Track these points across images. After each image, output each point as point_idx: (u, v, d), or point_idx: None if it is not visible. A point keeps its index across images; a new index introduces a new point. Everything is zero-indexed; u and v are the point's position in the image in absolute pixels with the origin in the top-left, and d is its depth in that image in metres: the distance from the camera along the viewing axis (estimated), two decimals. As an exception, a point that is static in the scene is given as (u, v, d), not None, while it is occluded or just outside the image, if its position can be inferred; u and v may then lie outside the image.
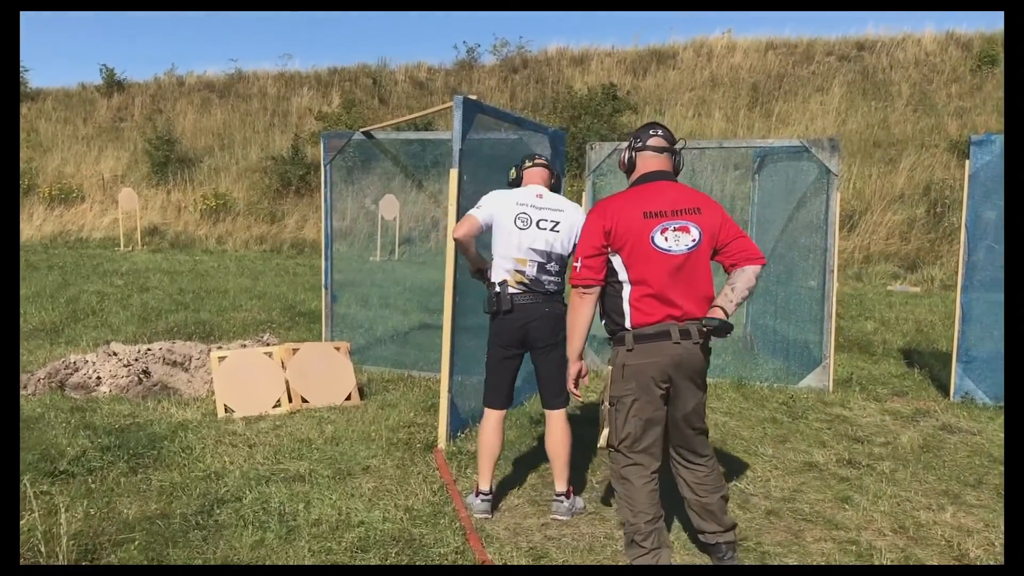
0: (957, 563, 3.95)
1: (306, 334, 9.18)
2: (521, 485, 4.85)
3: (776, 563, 3.94)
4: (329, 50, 63.96)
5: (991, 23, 28.57)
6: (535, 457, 5.31)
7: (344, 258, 16.78)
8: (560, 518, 4.38)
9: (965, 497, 4.81)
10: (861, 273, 15.99)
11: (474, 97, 5.55)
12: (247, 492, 4.54)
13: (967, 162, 6.87)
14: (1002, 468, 5.32)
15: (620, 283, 3.50)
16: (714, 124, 21.77)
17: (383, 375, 7.46)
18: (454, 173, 5.39)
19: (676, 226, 3.45)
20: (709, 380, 7.53)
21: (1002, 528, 4.35)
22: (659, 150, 3.62)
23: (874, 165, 19.03)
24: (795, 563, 3.94)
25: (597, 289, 3.53)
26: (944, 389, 7.26)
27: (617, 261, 3.48)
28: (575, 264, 3.54)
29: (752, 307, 9.06)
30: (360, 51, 67.97)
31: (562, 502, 4.44)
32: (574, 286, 3.54)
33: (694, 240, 3.46)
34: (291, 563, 3.74)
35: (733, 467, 5.26)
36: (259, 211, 22.01)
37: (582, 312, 3.56)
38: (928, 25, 23.96)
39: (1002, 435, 6.06)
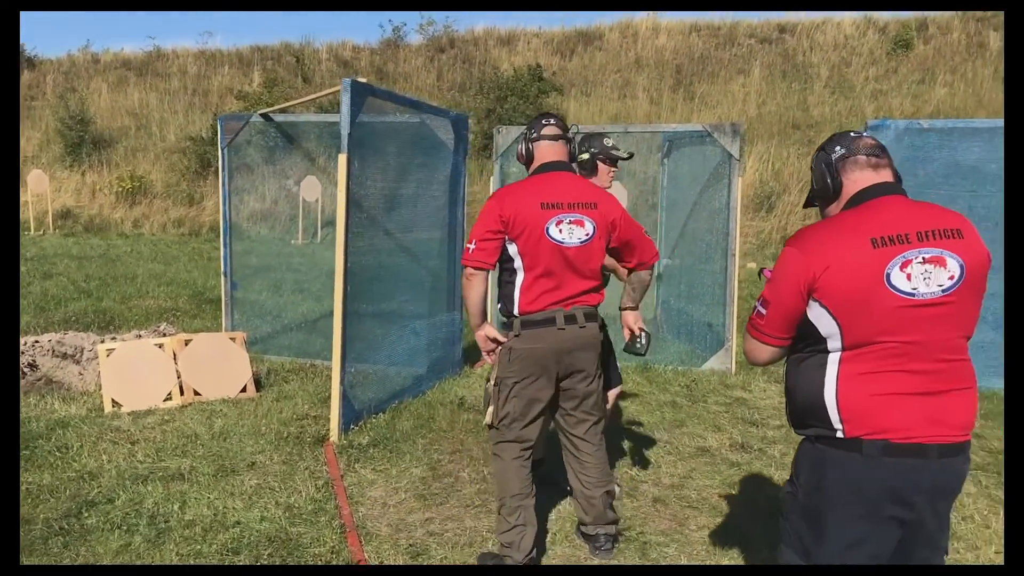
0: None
1: (211, 323, 8.93)
2: (409, 478, 4.77)
3: (656, 553, 3.94)
4: (251, 28, 62.33)
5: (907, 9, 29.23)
6: (427, 449, 5.22)
7: (264, 241, 16.43)
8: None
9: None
10: (777, 254, 16.25)
11: (364, 80, 5.41)
12: (120, 493, 4.37)
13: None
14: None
15: (514, 270, 3.56)
16: (639, 106, 21.84)
17: (285, 365, 7.29)
18: (343, 159, 5.24)
19: (571, 219, 3.51)
20: (614, 364, 7.61)
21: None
22: (554, 138, 3.66)
23: (793, 146, 19.31)
24: (675, 552, 3.95)
25: (485, 273, 3.53)
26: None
27: (513, 249, 3.51)
28: (468, 245, 3.54)
29: (662, 289, 9.11)
30: (283, 29, 66.46)
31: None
32: (464, 266, 3.55)
33: (587, 234, 3.54)
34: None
35: (627, 453, 5.27)
36: (177, 193, 21.40)
37: (470, 293, 3.56)
38: (847, 9, 24.32)
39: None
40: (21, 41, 28.41)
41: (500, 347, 3.63)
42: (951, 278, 2.23)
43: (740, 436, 5.65)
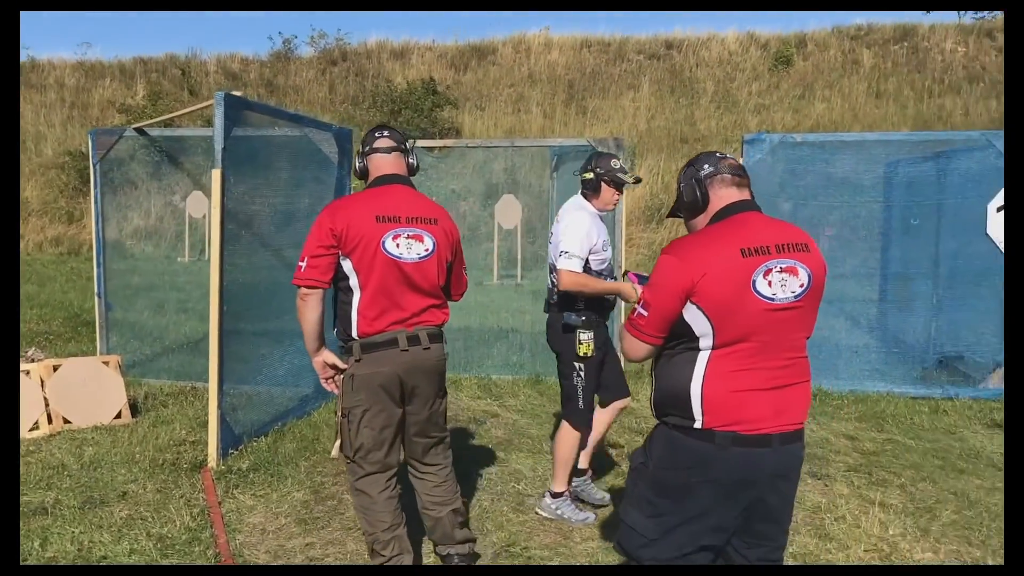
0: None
1: (87, 346, 8.52)
2: (291, 502, 4.63)
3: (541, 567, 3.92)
4: (133, 39, 60.11)
5: (787, 25, 30.45)
6: (311, 472, 5.08)
7: (148, 259, 15.85)
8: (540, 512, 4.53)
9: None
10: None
11: (239, 94, 5.26)
12: (-26, 532, 4.08)
13: (740, 160, 7.18)
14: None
15: (350, 289, 3.35)
16: (533, 120, 22.05)
17: (165, 389, 7.00)
18: (216, 174, 5.07)
19: (409, 233, 3.36)
20: (507, 377, 7.63)
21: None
22: (387, 151, 3.52)
23: (681, 160, 19.78)
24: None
25: (320, 293, 3.34)
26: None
27: (347, 265, 3.32)
28: (300, 263, 3.32)
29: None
30: (168, 40, 64.39)
31: (543, 497, 4.58)
32: (297, 286, 3.34)
33: (427, 250, 3.40)
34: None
35: (516, 468, 5.25)
36: (55, 211, 20.44)
37: (306, 315, 3.35)
38: (731, 26, 25.16)
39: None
40: None
41: (341, 374, 3.45)
42: (801, 286, 2.49)
43: (627, 445, 5.71)
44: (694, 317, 2.47)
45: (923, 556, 4.11)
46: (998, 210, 6.88)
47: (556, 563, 3.97)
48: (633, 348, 2.63)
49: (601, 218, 4.35)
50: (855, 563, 4.02)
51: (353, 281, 3.33)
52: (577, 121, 21.94)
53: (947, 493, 4.93)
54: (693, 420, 2.49)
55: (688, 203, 2.68)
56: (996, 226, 6.90)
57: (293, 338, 6.53)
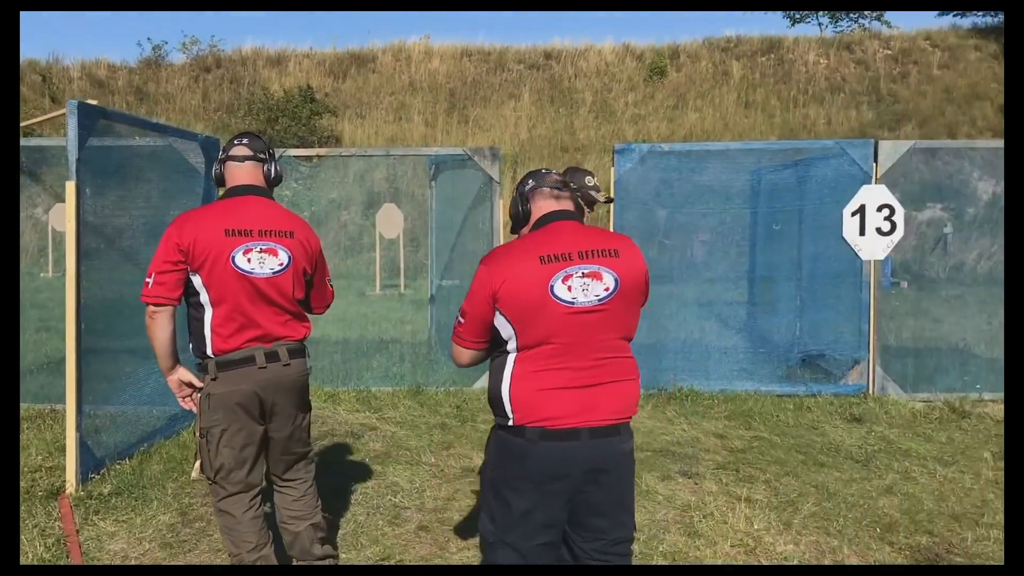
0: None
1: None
2: (156, 526, 4.45)
3: (415, 580, 3.89)
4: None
5: (660, 36, 31.42)
6: (178, 494, 4.90)
7: (8, 276, 14.92)
8: None
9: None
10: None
11: (94, 102, 5.03)
12: None
13: (612, 169, 7.36)
14: (641, 455, 5.70)
15: (201, 306, 3.23)
16: (414, 128, 22.01)
17: (22, 413, 6.61)
18: (71, 186, 4.85)
19: (262, 247, 3.25)
20: (387, 389, 7.56)
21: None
22: (241, 159, 3.38)
23: (563, 168, 20.13)
24: (434, 577, 3.92)
25: (171, 310, 3.21)
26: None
27: (197, 281, 3.20)
28: (147, 279, 3.18)
29: (435, 311, 9.15)
30: (26, 45, 61.24)
31: None
32: (145, 304, 3.20)
33: (282, 264, 3.30)
34: None
35: (393, 480, 5.20)
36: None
37: (156, 334, 3.22)
38: (608, 37, 25.77)
39: (648, 422, 6.54)
40: None
41: (198, 393, 3.33)
42: (606, 290, 2.63)
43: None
44: (501, 323, 2.65)
45: (785, 548, 4.28)
46: (852, 215, 7.26)
47: None
48: (457, 355, 2.81)
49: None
50: (722, 558, 4.16)
51: (204, 297, 3.22)
52: (459, 130, 22.02)
53: (809, 486, 5.15)
54: (508, 419, 2.65)
55: (513, 216, 2.90)
56: (851, 230, 7.28)
57: (160, 355, 6.29)
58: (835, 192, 7.48)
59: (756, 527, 4.51)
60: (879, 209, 7.26)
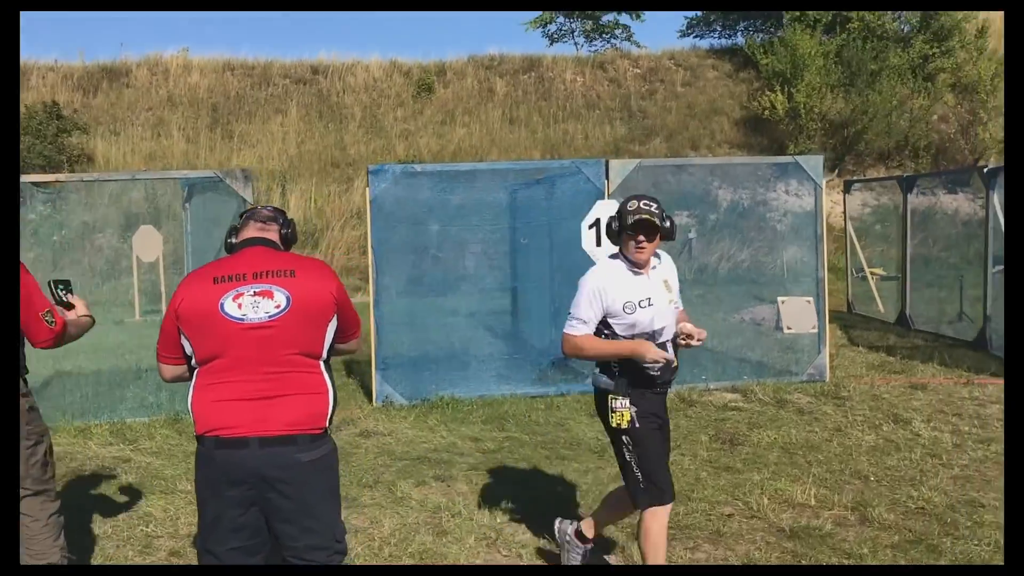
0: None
1: None
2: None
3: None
4: None
5: (427, 53, 32.01)
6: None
7: None
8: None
9: (361, 498, 5.30)
10: (325, 288, 16.80)
11: None
12: None
13: (367, 189, 7.60)
14: (399, 464, 5.99)
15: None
16: (175, 145, 21.14)
17: None
18: None
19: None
20: (143, 419, 7.34)
21: (385, 526, 4.89)
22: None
23: (333, 184, 20.14)
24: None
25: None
26: (371, 396, 7.93)
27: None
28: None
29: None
30: None
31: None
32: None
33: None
34: None
35: (147, 511, 5.15)
36: None
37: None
38: (374, 53, 25.97)
39: (410, 432, 6.82)
40: None
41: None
42: (277, 307, 2.85)
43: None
44: (184, 340, 2.91)
45: (524, 537, 4.70)
46: (589, 227, 7.92)
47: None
48: (159, 370, 3.07)
49: (635, 273, 3.70)
50: (466, 552, 4.50)
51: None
52: (224, 146, 21.41)
53: (550, 479, 5.64)
54: (195, 429, 2.88)
55: (226, 246, 3.20)
56: (589, 242, 7.93)
57: None
58: (573, 207, 8.13)
59: (499, 521, 4.90)
60: (613, 222, 7.96)
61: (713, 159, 17.90)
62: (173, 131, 21.48)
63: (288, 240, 3.22)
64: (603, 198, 7.98)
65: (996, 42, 24.62)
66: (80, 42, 58.90)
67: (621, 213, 3.65)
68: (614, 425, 3.69)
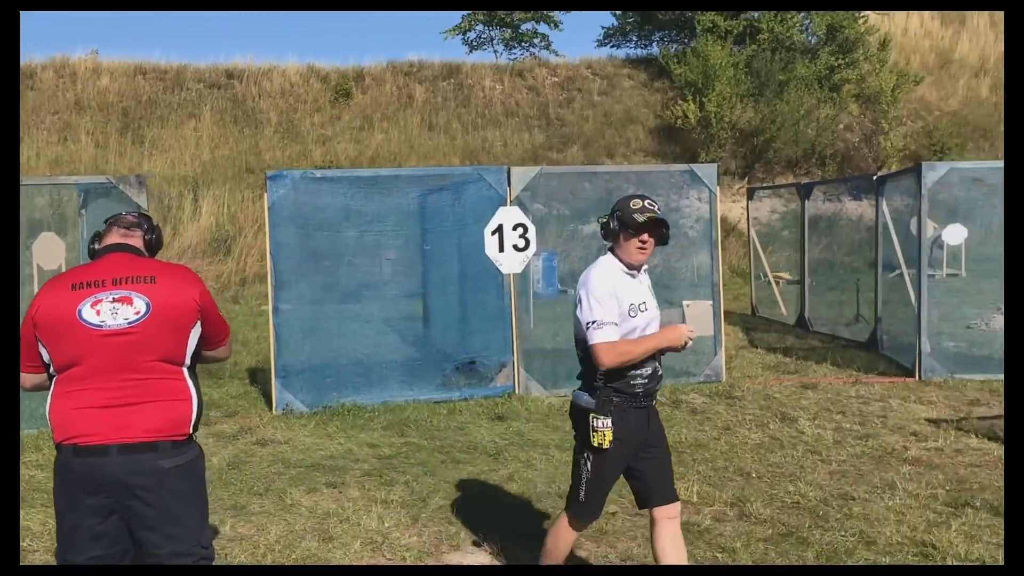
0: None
1: None
2: None
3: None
4: None
5: (345, 59, 31.81)
6: None
7: None
8: None
9: (250, 506, 5.27)
10: (238, 295, 16.54)
11: None
12: None
13: (265, 195, 7.55)
14: (293, 471, 5.96)
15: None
16: (83, 150, 20.55)
17: None
18: None
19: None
20: (31, 432, 7.11)
21: (272, 533, 4.87)
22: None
23: (247, 190, 19.81)
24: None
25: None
26: (272, 404, 7.86)
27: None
28: None
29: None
30: None
31: None
32: None
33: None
34: None
35: (24, 525, 5.06)
36: None
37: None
38: (291, 58, 25.70)
39: (308, 440, 6.78)
40: None
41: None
42: (136, 313, 2.84)
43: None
44: (41, 348, 2.86)
45: (409, 540, 4.73)
46: (492, 233, 8.01)
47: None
48: (20, 378, 2.97)
49: (631, 276, 3.54)
50: (351, 556, 4.52)
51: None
52: (135, 151, 20.91)
53: (443, 483, 5.68)
54: (54, 438, 2.84)
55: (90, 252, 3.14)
56: (492, 247, 8.02)
57: None
58: (476, 213, 8.21)
59: (386, 524, 4.93)
60: (515, 228, 8.07)
61: (613, 167, 18.22)
62: (81, 136, 20.90)
63: (153, 246, 3.21)
64: (505, 204, 8.08)
65: (897, 54, 25.73)
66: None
67: (622, 212, 3.46)
68: (595, 444, 3.46)
